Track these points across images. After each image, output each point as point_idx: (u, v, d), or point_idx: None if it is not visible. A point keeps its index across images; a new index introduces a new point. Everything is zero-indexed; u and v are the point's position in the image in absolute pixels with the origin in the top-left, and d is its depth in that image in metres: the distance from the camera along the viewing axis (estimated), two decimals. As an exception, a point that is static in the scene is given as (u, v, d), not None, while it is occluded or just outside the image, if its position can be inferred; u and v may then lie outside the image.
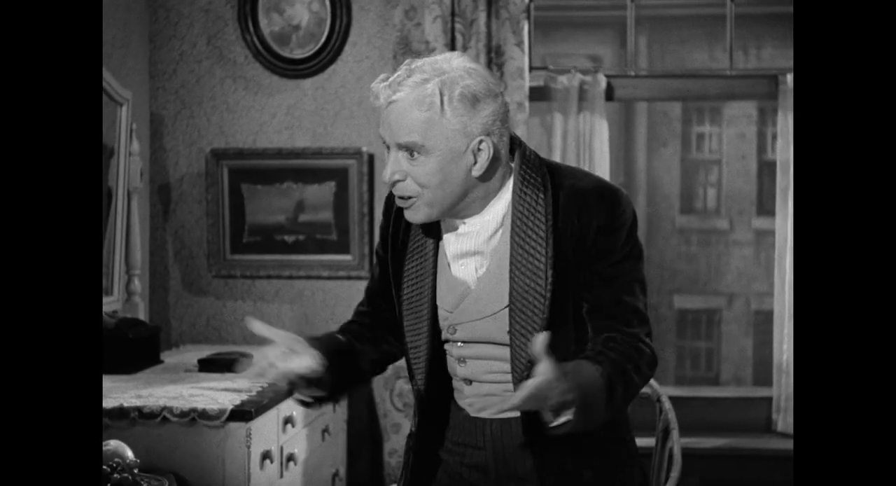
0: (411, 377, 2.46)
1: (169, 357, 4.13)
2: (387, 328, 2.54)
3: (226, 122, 4.58)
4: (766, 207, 14.57)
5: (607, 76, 4.51)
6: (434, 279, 2.40)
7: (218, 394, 3.42)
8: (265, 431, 3.43)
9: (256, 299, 4.59)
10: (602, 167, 4.43)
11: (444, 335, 2.42)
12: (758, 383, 13.94)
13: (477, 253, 2.37)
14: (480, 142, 2.27)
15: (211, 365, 3.84)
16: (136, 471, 2.96)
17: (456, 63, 2.28)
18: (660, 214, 15.00)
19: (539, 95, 4.48)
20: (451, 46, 4.30)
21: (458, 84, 2.25)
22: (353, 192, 4.50)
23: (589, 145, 4.44)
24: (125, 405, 3.28)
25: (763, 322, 14.33)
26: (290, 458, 3.65)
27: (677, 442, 2.86)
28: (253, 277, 4.59)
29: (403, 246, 2.44)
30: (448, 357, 2.45)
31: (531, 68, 4.45)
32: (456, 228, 2.38)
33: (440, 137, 2.25)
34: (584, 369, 2.18)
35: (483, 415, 2.43)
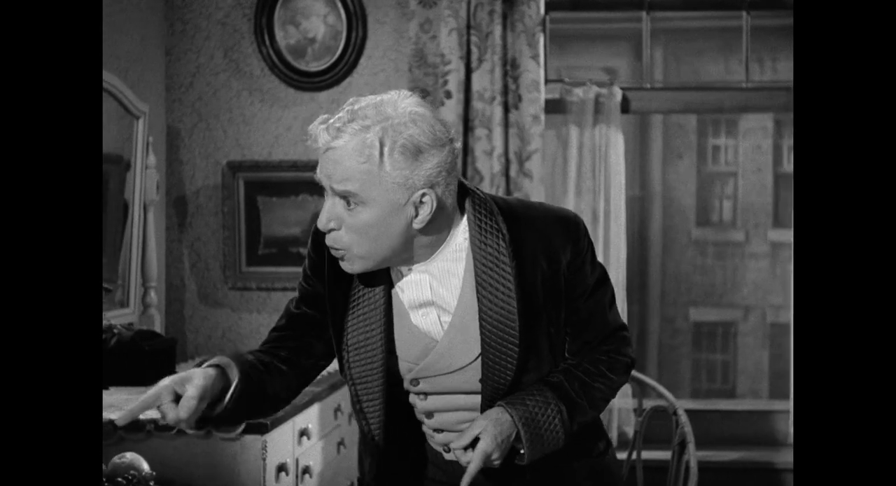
0: (360, 420, 2.32)
1: (185, 369, 4.12)
2: (306, 353, 2.39)
3: (242, 134, 4.59)
4: (781, 219, 14.54)
5: (623, 89, 4.51)
6: (387, 329, 2.27)
7: (233, 406, 3.42)
8: (281, 443, 3.42)
9: (272, 311, 4.59)
10: (617, 180, 4.43)
11: (405, 385, 2.32)
12: (774, 396, 13.85)
13: (435, 304, 2.27)
14: (423, 195, 2.13)
15: (226, 377, 3.83)
16: (151, 484, 2.96)
17: (402, 107, 2.12)
18: (675, 226, 14.96)
19: (554, 107, 4.48)
20: (467, 59, 4.30)
21: (400, 134, 2.09)
22: (369, 204, 4.50)
23: (604, 158, 4.44)
24: (141, 417, 3.28)
25: (779, 335, 14.25)
26: (306, 470, 3.64)
27: (693, 455, 2.85)
28: (268, 289, 4.60)
29: (347, 288, 2.30)
30: (413, 407, 2.35)
31: (547, 81, 4.45)
32: (404, 276, 2.26)
33: (378, 188, 2.11)
34: (516, 401, 2.21)
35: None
